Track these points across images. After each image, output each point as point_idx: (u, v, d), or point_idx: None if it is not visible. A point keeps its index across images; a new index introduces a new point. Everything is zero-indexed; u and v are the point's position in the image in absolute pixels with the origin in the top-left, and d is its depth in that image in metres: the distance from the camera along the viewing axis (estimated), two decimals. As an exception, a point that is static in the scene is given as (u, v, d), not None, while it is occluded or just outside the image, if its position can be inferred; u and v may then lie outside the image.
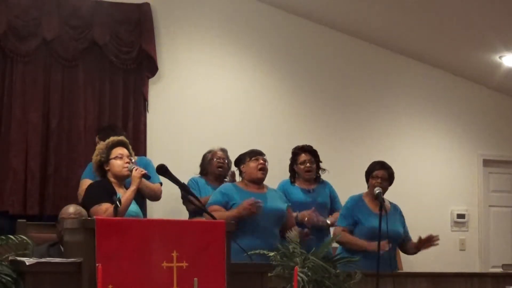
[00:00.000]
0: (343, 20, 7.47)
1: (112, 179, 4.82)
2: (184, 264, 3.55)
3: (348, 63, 7.72)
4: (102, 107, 6.67)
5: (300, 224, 5.49)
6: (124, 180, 4.88)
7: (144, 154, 6.69)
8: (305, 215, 5.60)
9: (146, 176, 4.82)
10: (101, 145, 4.95)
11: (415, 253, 5.72)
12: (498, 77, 7.80)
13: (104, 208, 4.56)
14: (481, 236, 8.11)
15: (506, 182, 8.39)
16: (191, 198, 4.65)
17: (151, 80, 6.88)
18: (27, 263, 3.41)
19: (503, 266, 6.76)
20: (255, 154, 5.38)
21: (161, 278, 3.50)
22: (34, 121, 6.43)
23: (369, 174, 5.54)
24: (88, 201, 4.68)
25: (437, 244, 5.58)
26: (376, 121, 7.76)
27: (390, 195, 5.60)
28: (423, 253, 7.28)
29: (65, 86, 6.59)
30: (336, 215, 5.77)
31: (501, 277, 5.75)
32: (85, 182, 5.50)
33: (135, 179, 4.76)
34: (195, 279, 3.52)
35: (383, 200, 5.11)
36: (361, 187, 5.65)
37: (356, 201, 5.54)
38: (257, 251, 4.23)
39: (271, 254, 4.04)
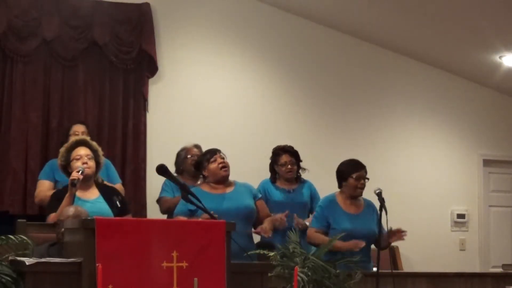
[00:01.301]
0: (343, 20, 7.47)
1: None
2: (184, 264, 3.55)
3: (348, 63, 7.72)
4: (102, 107, 6.67)
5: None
6: (88, 181, 4.79)
7: (144, 154, 6.71)
8: (276, 218, 5.34)
9: (72, 184, 4.60)
10: (62, 148, 4.89)
11: (386, 246, 5.43)
12: (498, 77, 7.80)
13: (51, 219, 4.59)
14: (481, 236, 8.11)
15: (506, 182, 8.39)
16: (191, 197, 4.64)
17: (151, 80, 6.89)
18: (27, 263, 3.41)
19: (503, 266, 6.77)
20: (211, 154, 5.24)
21: (161, 278, 3.50)
22: (34, 121, 6.43)
23: (347, 174, 5.35)
24: (47, 210, 4.75)
25: (405, 235, 5.31)
26: (376, 121, 7.76)
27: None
28: (423, 253, 7.30)
29: (65, 86, 6.60)
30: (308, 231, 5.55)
31: (501, 277, 5.75)
32: (41, 183, 5.65)
33: (69, 185, 4.63)
34: (195, 279, 3.52)
35: (383, 200, 5.07)
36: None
37: (329, 201, 5.40)
38: (257, 251, 4.23)
39: (271, 254, 4.04)
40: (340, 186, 5.42)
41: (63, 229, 4.06)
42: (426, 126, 7.99)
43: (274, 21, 7.40)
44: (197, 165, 5.38)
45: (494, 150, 8.24)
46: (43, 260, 3.52)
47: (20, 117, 6.40)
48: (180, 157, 6.14)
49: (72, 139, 5.00)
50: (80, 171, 4.64)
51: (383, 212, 5.01)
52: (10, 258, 3.59)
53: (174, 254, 3.54)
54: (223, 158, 5.24)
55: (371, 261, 5.32)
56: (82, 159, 4.75)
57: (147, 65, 6.83)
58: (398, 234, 5.30)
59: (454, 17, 6.89)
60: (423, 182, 7.81)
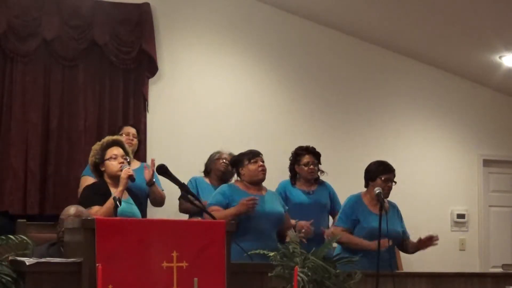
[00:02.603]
0: (343, 20, 7.47)
1: (108, 180, 4.82)
2: (184, 264, 3.55)
3: (348, 63, 7.72)
4: (102, 107, 6.68)
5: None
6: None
7: (144, 154, 6.69)
8: (303, 225, 5.43)
9: (131, 178, 4.74)
10: (96, 146, 4.93)
11: (413, 252, 5.73)
12: (498, 77, 7.80)
13: (94, 211, 4.56)
14: (481, 236, 8.11)
15: (506, 182, 8.39)
16: (191, 198, 4.64)
17: (151, 80, 6.89)
18: (27, 263, 3.41)
19: (503, 266, 6.76)
20: (253, 156, 5.33)
21: (161, 278, 3.50)
22: (34, 121, 6.43)
23: (375, 175, 5.45)
24: (81, 204, 4.70)
25: (437, 244, 5.58)
26: (376, 121, 7.76)
27: (391, 195, 5.59)
28: (423, 253, 7.28)
29: (65, 86, 6.60)
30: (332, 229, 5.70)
31: (501, 277, 5.75)
32: (84, 180, 5.56)
33: (122, 180, 4.72)
34: (195, 279, 3.52)
35: (383, 201, 5.09)
36: (362, 188, 5.64)
37: (355, 201, 5.51)
38: (257, 251, 4.23)
39: (271, 254, 4.04)
40: (366, 185, 5.52)
41: (63, 229, 4.07)
42: (426, 126, 7.98)
43: (274, 21, 7.40)
44: (235, 162, 5.44)
45: (494, 150, 8.24)
46: (43, 260, 3.52)
47: (20, 117, 6.40)
48: (212, 158, 6.24)
49: (108, 138, 5.00)
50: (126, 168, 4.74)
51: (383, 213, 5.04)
52: (10, 258, 3.59)
53: (174, 254, 3.54)
54: (263, 162, 5.35)
55: (396, 260, 5.61)
56: (118, 159, 4.80)
57: (147, 65, 6.84)
58: (429, 241, 5.50)
59: (454, 17, 6.89)
60: (423, 182, 7.81)
